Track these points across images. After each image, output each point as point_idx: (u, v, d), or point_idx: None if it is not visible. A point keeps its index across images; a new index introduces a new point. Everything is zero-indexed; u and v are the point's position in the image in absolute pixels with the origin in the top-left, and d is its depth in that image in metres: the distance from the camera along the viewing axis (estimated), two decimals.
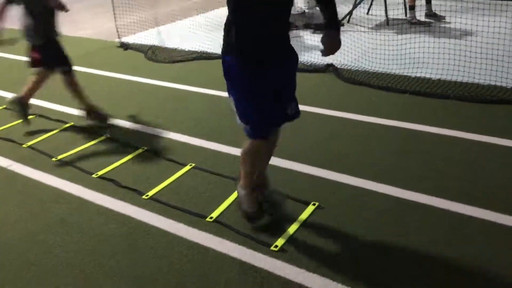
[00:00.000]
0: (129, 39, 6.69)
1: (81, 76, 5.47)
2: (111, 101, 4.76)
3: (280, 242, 2.61)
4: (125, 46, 6.48)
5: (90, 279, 2.49)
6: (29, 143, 3.97)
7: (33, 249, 2.75)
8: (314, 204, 2.91)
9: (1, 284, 2.51)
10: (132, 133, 4.07)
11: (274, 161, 3.42)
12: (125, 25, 6.86)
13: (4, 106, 4.74)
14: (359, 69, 5.01)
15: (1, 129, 4.29)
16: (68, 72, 4.16)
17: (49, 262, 2.63)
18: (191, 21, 7.03)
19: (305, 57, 5.37)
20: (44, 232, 2.89)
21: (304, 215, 2.82)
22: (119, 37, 6.69)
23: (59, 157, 3.72)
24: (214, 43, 6.04)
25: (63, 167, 3.59)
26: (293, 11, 6.87)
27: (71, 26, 7.93)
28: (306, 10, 7.33)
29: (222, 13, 6.95)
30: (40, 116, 4.50)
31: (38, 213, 3.08)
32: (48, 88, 5.18)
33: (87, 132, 4.13)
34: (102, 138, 3.99)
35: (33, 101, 4.80)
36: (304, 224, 2.76)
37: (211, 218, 2.86)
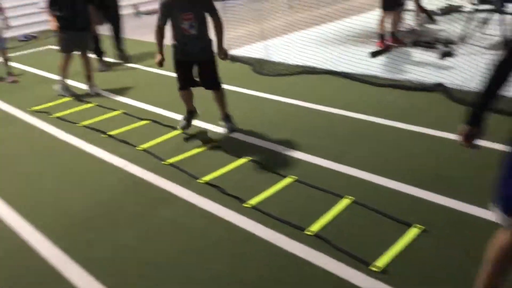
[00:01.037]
0: (237, 52, 6.93)
1: None
2: (217, 110, 4.96)
3: (381, 262, 2.57)
4: (233, 59, 6.72)
5: (197, 281, 2.62)
6: (143, 146, 4.25)
7: (146, 248, 2.94)
8: (416, 227, 2.83)
9: (119, 282, 2.70)
10: (237, 143, 4.21)
11: (374, 178, 3.39)
12: (233, 38, 7.11)
13: (122, 111, 5.13)
14: (472, 89, 4.79)
15: (118, 132, 4.63)
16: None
17: (160, 261, 2.80)
18: (297, 36, 7.14)
19: (412, 75, 5.25)
20: (153, 230, 3.08)
21: (407, 238, 2.75)
22: (228, 50, 6.95)
23: (169, 160, 3.95)
24: (319, 57, 6.09)
25: (172, 171, 3.80)
26: (402, 28, 6.74)
27: None
28: (416, 28, 7.16)
29: (325, 28, 6.99)
30: (154, 122, 4.80)
31: (149, 212, 3.29)
32: (162, 96, 5.52)
33: (194, 139, 4.34)
34: (210, 145, 4.17)
35: (150, 108, 5.15)
36: (408, 246, 2.70)
37: (311, 231, 2.88)
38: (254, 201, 3.26)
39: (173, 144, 4.30)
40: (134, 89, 5.92)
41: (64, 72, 5.80)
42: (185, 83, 4.35)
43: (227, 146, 4.14)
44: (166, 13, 4.11)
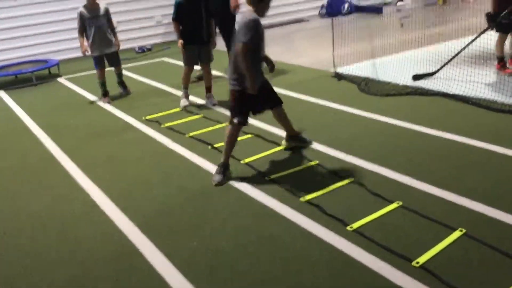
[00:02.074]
0: (344, 69, 6.83)
1: (295, 101, 5.84)
2: (322, 127, 4.92)
3: None
4: (338, 76, 6.64)
5: None
6: (246, 160, 4.30)
7: (243, 259, 2.96)
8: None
9: None
10: (339, 162, 4.13)
11: (489, 211, 3.14)
12: (341, 56, 7.04)
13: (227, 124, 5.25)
14: None
15: (223, 145, 4.72)
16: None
17: (257, 275, 2.80)
18: (407, 56, 6.90)
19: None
20: (254, 245, 3.09)
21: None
22: (334, 67, 6.89)
23: (272, 176, 3.95)
24: (430, 79, 5.84)
25: (274, 187, 3.80)
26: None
27: (291, 54, 8.48)
28: None
29: (439, 48, 6.68)
30: (257, 136, 4.86)
31: (250, 226, 3.31)
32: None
33: (296, 156, 4.32)
34: (312, 163, 4.12)
35: (253, 122, 5.21)
36: None
37: (418, 263, 2.72)
38: (357, 224, 3.16)
39: (276, 160, 4.31)
40: None
41: (185, 83, 6.13)
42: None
43: (330, 165, 4.07)
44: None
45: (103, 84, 6.64)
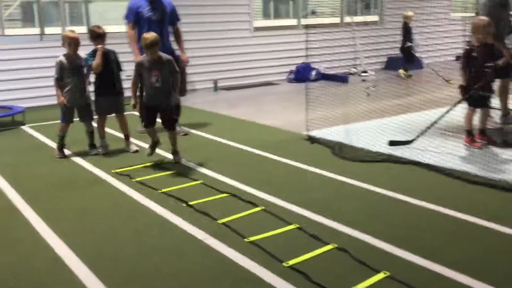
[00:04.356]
0: (316, 133, 6.88)
1: (269, 161, 5.79)
2: (298, 189, 4.86)
3: None
4: (312, 140, 6.67)
5: None
6: (223, 220, 4.16)
7: None
8: None
9: None
10: (320, 226, 4.04)
11: (474, 283, 3.10)
12: (312, 120, 7.11)
13: (201, 181, 5.12)
14: None
15: (198, 202, 4.58)
16: None
17: None
18: (381, 123, 7.01)
19: (507, 175, 4.98)
20: None
21: None
22: (307, 130, 6.94)
23: (251, 238, 3.81)
24: (403, 147, 5.94)
25: (254, 249, 3.65)
26: (489, 126, 6.51)
27: (262, 115, 8.53)
28: (503, 126, 6.91)
29: (414, 118, 6.85)
30: (233, 195, 4.73)
31: None
32: (241, 170, 5.48)
33: (277, 217, 4.21)
34: (292, 226, 4.01)
35: (228, 180, 5.10)
36: None
37: None
38: None
39: (254, 221, 4.18)
40: (211, 160, 5.93)
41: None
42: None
43: (310, 228, 3.97)
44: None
45: (62, 138, 6.26)
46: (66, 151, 6.30)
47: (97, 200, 4.78)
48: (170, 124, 5.77)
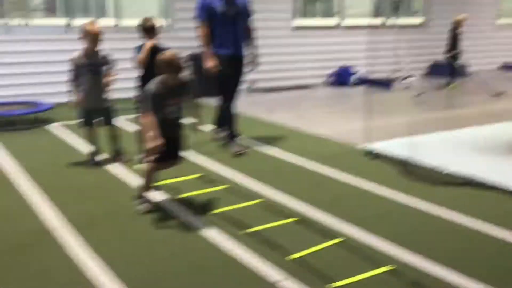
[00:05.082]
0: (375, 146, 6.16)
1: (331, 181, 5.09)
2: (377, 218, 4.15)
3: None
4: (372, 155, 5.95)
5: None
6: (298, 255, 3.47)
7: None
8: None
9: None
10: (417, 272, 3.32)
11: None
12: (362, 130, 6.38)
13: (260, 200, 4.44)
14: None
15: (260, 229, 3.89)
16: None
17: None
18: (456, 136, 6.19)
19: None
20: None
21: None
22: (365, 143, 6.22)
23: (336, 284, 3.12)
24: (490, 168, 5.16)
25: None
26: None
27: (305, 122, 7.82)
28: None
29: (479, 132, 6.08)
30: (302, 221, 4.04)
31: None
32: (301, 187, 4.76)
33: (364, 256, 3.50)
34: (384, 269, 3.30)
35: (289, 201, 4.42)
36: None
37: None
38: None
39: (338, 259, 3.47)
40: (264, 174, 5.24)
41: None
42: None
43: (409, 274, 3.26)
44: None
45: (92, 143, 5.65)
46: (100, 157, 5.66)
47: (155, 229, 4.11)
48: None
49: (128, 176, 5.16)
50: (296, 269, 3.29)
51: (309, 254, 3.49)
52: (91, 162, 5.59)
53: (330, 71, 11.62)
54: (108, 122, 5.63)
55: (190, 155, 5.37)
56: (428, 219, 4.19)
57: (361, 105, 9.11)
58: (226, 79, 6.10)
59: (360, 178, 5.11)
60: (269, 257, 3.45)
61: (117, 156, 5.69)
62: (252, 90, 10.47)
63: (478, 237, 3.87)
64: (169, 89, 4.11)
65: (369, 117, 6.54)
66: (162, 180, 4.74)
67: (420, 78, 12.01)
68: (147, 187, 4.34)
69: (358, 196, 4.73)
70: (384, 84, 11.15)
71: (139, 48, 5.44)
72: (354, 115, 8.37)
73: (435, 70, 12.67)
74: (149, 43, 5.36)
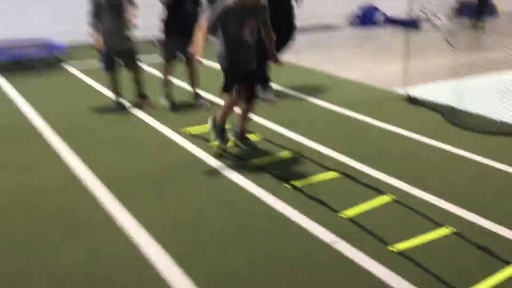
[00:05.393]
0: (415, 91, 5.76)
1: (374, 130, 4.75)
2: (428, 173, 3.84)
3: None
4: (413, 101, 5.57)
5: None
6: (348, 214, 3.19)
7: None
8: None
9: None
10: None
11: None
12: (400, 73, 5.95)
13: (298, 152, 4.14)
14: None
15: (304, 184, 3.61)
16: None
17: None
18: (498, 80, 5.67)
19: None
20: None
21: None
22: (403, 88, 5.83)
23: (397, 246, 2.85)
24: None
25: (405, 264, 2.70)
26: None
27: (335, 65, 7.40)
28: None
29: None
30: (346, 175, 3.75)
31: None
32: (342, 138, 4.44)
33: (422, 216, 3.20)
34: (446, 231, 3.02)
35: (330, 152, 4.11)
36: None
37: None
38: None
39: (391, 218, 3.18)
40: (300, 124, 4.91)
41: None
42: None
43: (473, 235, 2.97)
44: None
45: (114, 89, 5.32)
46: (125, 103, 5.35)
47: (178, 177, 3.83)
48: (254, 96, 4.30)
49: (156, 122, 4.88)
50: (350, 229, 3.03)
51: (361, 212, 3.22)
52: (117, 108, 5.29)
53: (355, 10, 11.01)
54: (131, 65, 5.28)
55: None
56: (482, 171, 3.88)
57: (392, 46, 8.67)
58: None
59: (405, 127, 4.76)
60: (320, 215, 3.19)
61: (142, 101, 5.38)
62: None
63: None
64: (245, 8, 3.90)
65: (403, 60, 6.09)
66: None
67: (449, 18, 11.35)
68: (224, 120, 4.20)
69: (404, 146, 4.40)
70: (412, 24, 10.54)
71: None
72: (386, 57, 7.94)
73: (463, 10, 11.96)
74: None
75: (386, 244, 2.86)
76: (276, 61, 4.26)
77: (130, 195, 3.45)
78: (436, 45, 7.05)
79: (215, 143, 4.19)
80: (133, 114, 5.16)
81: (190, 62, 5.26)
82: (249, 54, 4.07)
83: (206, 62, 6.84)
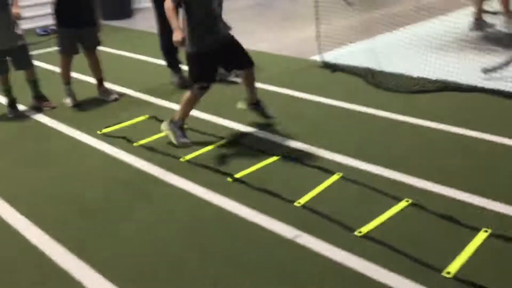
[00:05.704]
0: (329, 57, 5.64)
1: (301, 102, 4.56)
2: (369, 143, 3.72)
3: None
4: (331, 67, 5.44)
5: None
6: (302, 201, 2.98)
7: None
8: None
9: None
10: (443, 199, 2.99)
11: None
12: (307, 40, 5.76)
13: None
14: None
15: (245, 173, 3.34)
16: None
17: None
18: (405, 36, 5.73)
19: None
20: None
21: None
22: (315, 55, 5.68)
23: (363, 230, 2.68)
24: (462, 67, 4.75)
25: (371, 248, 2.55)
26: None
27: (244, 37, 7.05)
28: None
29: (428, 29, 5.66)
30: (297, 161, 3.53)
31: None
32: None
33: (377, 191, 3.07)
34: (405, 203, 2.90)
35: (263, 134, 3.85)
36: None
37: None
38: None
39: (349, 198, 3.03)
40: (231, 108, 4.60)
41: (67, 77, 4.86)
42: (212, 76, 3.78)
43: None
44: None
45: (7, 91, 4.65)
46: (21, 107, 4.71)
47: (93, 181, 3.40)
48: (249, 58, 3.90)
49: (58, 124, 4.33)
50: (309, 219, 2.82)
51: (315, 197, 3.02)
52: (11, 114, 4.63)
53: None
54: (24, 63, 4.62)
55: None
56: (419, 133, 3.83)
57: (292, 12, 8.52)
58: None
59: (330, 97, 4.61)
60: (273, 208, 2.94)
61: (41, 103, 4.76)
62: None
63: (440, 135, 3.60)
64: None
65: (313, 25, 5.92)
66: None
67: None
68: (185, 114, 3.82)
69: (337, 117, 4.25)
70: None
71: None
72: (290, 23, 7.76)
73: None
74: None
75: (350, 230, 2.69)
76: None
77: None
78: (335, 6, 6.98)
79: (176, 143, 3.77)
80: (35, 119, 4.54)
81: (90, 53, 4.75)
82: (221, 28, 3.70)
83: (110, 50, 6.26)
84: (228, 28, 3.78)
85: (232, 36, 3.80)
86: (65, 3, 4.50)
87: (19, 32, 4.50)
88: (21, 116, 4.64)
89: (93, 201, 3.18)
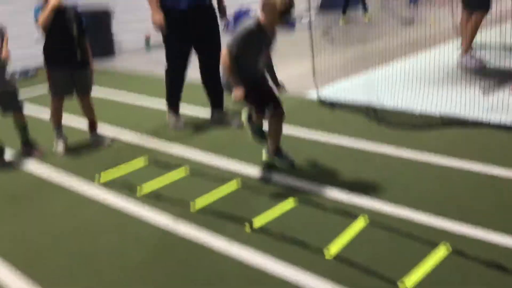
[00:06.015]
0: (326, 93, 5.52)
1: (306, 144, 4.39)
2: (384, 184, 3.56)
3: None
4: (328, 104, 5.31)
5: None
6: (332, 251, 2.78)
7: None
8: None
9: None
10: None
11: None
12: (301, 76, 5.64)
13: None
14: None
15: (265, 222, 3.13)
16: None
17: None
18: (397, 71, 5.69)
19: None
20: None
21: None
22: (310, 91, 5.58)
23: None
24: (456, 103, 4.74)
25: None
26: None
27: None
28: None
29: (416, 64, 5.56)
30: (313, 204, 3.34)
31: None
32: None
33: (405, 235, 2.90)
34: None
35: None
36: None
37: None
38: None
39: (374, 244, 2.86)
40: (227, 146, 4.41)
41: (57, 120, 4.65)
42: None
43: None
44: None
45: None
46: (7, 157, 4.43)
47: (106, 240, 3.14)
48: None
49: (50, 174, 4.07)
50: (333, 268, 2.62)
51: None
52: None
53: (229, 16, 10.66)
54: (12, 107, 4.37)
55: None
56: (435, 171, 3.72)
57: (281, 48, 8.45)
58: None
59: (336, 135, 4.48)
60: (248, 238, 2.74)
61: (29, 150, 4.48)
62: (150, 47, 9.27)
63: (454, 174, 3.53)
64: (265, 37, 3.56)
65: (306, 61, 5.84)
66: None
67: (316, 14, 11.47)
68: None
69: (344, 156, 4.11)
70: (290, 24, 10.45)
71: (38, 9, 4.21)
72: (282, 59, 7.65)
73: (327, 2, 12.07)
74: (53, 1, 4.12)
75: (393, 284, 2.50)
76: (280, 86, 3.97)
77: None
78: (317, 44, 6.96)
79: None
80: (24, 170, 4.25)
81: (83, 96, 4.55)
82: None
83: (105, 94, 6.05)
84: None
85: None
86: (54, 39, 4.30)
87: (8, 75, 4.29)
88: (8, 165, 4.35)
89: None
